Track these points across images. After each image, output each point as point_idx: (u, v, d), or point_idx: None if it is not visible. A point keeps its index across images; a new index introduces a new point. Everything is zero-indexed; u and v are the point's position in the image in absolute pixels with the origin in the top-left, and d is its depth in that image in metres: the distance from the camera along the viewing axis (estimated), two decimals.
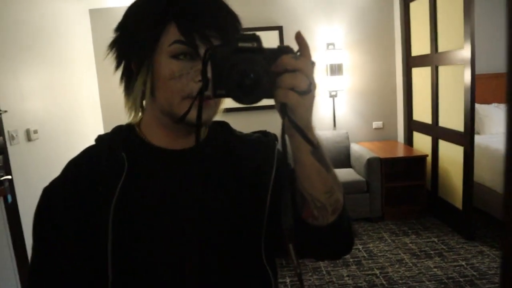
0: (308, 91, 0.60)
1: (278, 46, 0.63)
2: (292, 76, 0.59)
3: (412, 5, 4.30)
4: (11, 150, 2.79)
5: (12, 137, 2.82)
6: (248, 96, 0.60)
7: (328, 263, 3.26)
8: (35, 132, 3.08)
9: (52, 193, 0.77)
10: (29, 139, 3.02)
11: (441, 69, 3.80)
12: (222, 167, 0.81)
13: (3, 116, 2.72)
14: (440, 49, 3.78)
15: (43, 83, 3.34)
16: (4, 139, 2.71)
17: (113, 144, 0.79)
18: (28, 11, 3.19)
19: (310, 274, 3.15)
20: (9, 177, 2.70)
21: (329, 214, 0.71)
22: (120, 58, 0.78)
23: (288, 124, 0.62)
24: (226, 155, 0.83)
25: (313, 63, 0.62)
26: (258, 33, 0.63)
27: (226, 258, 0.77)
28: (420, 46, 4.16)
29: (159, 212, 0.76)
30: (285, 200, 0.61)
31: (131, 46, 0.75)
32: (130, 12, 0.76)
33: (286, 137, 0.64)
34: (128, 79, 0.79)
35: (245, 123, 4.68)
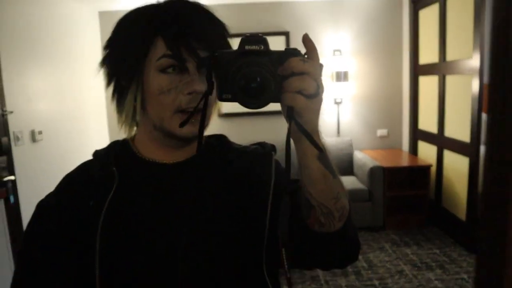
0: (316, 95, 0.60)
1: (285, 49, 0.62)
2: (300, 79, 0.58)
3: (421, 12, 4.26)
4: (15, 151, 2.79)
5: (17, 138, 2.82)
6: (254, 100, 0.59)
7: (327, 273, 3.20)
8: (40, 133, 3.07)
9: (45, 208, 0.77)
10: (34, 140, 3.01)
11: (448, 78, 3.75)
12: (217, 180, 0.80)
13: (9, 116, 2.71)
14: (448, 58, 3.73)
15: (50, 85, 3.34)
16: (9, 139, 2.70)
17: (105, 159, 0.80)
18: (36, 12, 3.19)
19: (308, 283, 3.09)
20: (12, 177, 2.68)
21: (336, 220, 0.70)
22: (111, 75, 0.78)
23: (294, 128, 0.61)
24: (222, 168, 0.82)
25: (321, 66, 0.61)
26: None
27: (220, 273, 0.75)
28: (428, 54, 4.11)
29: (147, 225, 0.74)
30: (284, 204, 0.61)
31: (120, 63, 0.75)
32: (118, 28, 0.76)
33: (292, 142, 0.63)
34: (120, 96, 0.79)
35: (249, 129, 4.64)
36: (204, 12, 0.74)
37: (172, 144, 0.78)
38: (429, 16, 4.07)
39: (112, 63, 0.77)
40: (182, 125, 0.71)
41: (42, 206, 0.77)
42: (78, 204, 0.75)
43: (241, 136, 4.55)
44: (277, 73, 0.59)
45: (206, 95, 0.65)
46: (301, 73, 0.58)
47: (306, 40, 0.61)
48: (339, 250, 0.75)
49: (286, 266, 0.60)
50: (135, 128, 0.82)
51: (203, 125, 0.68)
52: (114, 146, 0.84)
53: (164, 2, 0.74)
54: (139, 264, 0.72)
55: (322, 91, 0.62)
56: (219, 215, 0.76)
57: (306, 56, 0.61)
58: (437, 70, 3.91)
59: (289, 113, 0.60)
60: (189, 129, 0.73)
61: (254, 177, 0.81)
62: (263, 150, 0.87)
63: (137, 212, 0.75)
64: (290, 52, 0.61)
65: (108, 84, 0.79)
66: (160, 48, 0.71)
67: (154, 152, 0.80)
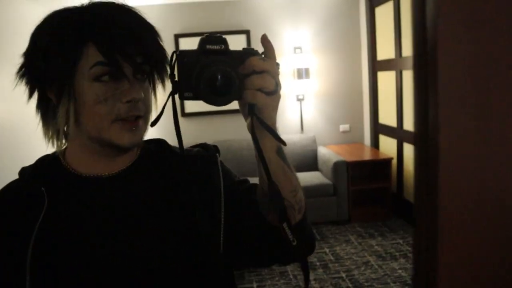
0: (275, 92, 0.63)
1: (244, 48, 0.65)
2: (260, 77, 0.61)
3: (377, 10, 4.37)
4: None
5: None
6: (220, 97, 0.61)
7: (295, 267, 3.24)
8: None
9: None
10: None
11: (405, 73, 3.87)
12: (157, 190, 0.77)
13: None
14: (404, 54, 3.84)
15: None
16: None
17: (33, 177, 0.74)
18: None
19: (277, 278, 3.12)
20: None
21: (296, 212, 0.72)
22: (33, 87, 0.71)
23: (256, 124, 0.63)
24: (162, 175, 0.79)
25: (277, 65, 0.64)
26: (225, 36, 0.64)
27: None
28: (385, 50, 4.23)
29: (82, 249, 0.70)
30: (271, 191, 0.65)
31: (44, 73, 0.68)
32: (40, 35, 0.69)
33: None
34: (46, 109, 0.73)
35: (208, 128, 4.62)
36: (134, 15, 0.71)
37: (110, 153, 0.74)
38: (384, 13, 4.18)
39: (34, 74, 0.70)
40: (153, 124, 0.71)
41: None
42: (4, 229, 0.69)
43: (204, 136, 4.54)
44: (238, 72, 0.62)
45: (172, 94, 0.65)
46: (261, 72, 0.61)
47: (265, 40, 0.64)
48: (301, 243, 0.74)
49: (291, 239, 0.64)
50: (64, 141, 0.76)
51: (178, 126, 0.68)
52: (43, 162, 0.78)
53: (90, 5, 0.69)
54: None
55: (280, 88, 0.64)
56: (160, 229, 0.73)
57: (263, 55, 0.64)
58: (394, 66, 4.03)
59: (251, 109, 0.63)
60: (131, 138, 0.70)
61: (200, 182, 0.78)
62: (207, 152, 0.84)
63: (70, 236, 0.70)
64: (249, 52, 0.64)
65: (30, 96, 0.72)
66: (92, 56, 0.66)
67: (88, 164, 0.75)
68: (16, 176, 0.77)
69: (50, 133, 0.74)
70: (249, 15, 4.58)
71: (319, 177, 4.21)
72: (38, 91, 0.72)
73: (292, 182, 0.71)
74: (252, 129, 0.64)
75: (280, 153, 0.69)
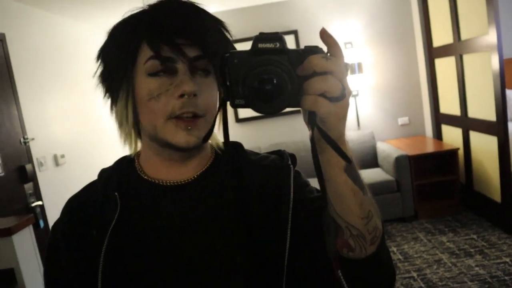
0: (341, 97, 0.52)
1: (305, 46, 0.54)
2: (322, 79, 0.51)
3: None
4: (40, 176, 2.83)
5: (40, 164, 2.87)
6: (269, 104, 0.52)
7: None
8: (62, 156, 3.12)
9: (55, 231, 0.74)
10: (57, 164, 3.07)
11: (465, 57, 3.63)
12: (227, 200, 0.71)
13: (31, 143, 2.76)
14: (463, 37, 3.61)
15: (66, 108, 3.39)
16: (33, 166, 2.75)
17: (108, 182, 0.74)
18: (45, 36, 3.24)
19: None
20: (40, 202, 2.72)
21: (367, 244, 0.60)
22: (105, 88, 0.72)
23: (318, 136, 0.54)
24: (233, 187, 0.72)
25: (346, 65, 0.54)
26: None
27: None
28: (442, 35, 4.00)
29: (152, 258, 0.68)
30: (326, 224, 0.55)
31: (111, 74, 0.70)
32: (108, 39, 0.70)
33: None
34: (116, 108, 0.73)
35: (267, 132, 4.61)
36: (192, 8, 0.67)
37: (173, 156, 0.71)
38: None
39: (104, 75, 0.71)
40: (204, 140, 0.65)
41: (54, 229, 0.74)
42: (81, 230, 0.70)
43: (259, 140, 4.54)
44: (295, 74, 0.52)
45: (224, 102, 0.58)
46: (324, 73, 0.51)
47: (325, 35, 0.54)
48: (372, 279, 0.65)
49: None
50: (137, 143, 0.76)
51: (227, 137, 0.61)
52: (120, 164, 0.78)
53: (152, 5, 0.68)
54: None
55: (349, 93, 0.54)
56: (229, 242, 0.68)
57: (328, 54, 0.54)
58: (453, 51, 3.80)
59: (311, 119, 0.53)
60: (185, 138, 0.66)
61: (268, 196, 0.71)
62: (281, 162, 0.76)
63: (141, 242, 0.69)
64: (311, 50, 0.54)
65: (104, 97, 0.73)
66: (146, 51, 0.65)
67: (157, 169, 0.73)
68: None
69: (124, 136, 0.73)
70: (295, 15, 4.52)
71: (381, 173, 4.06)
72: (109, 92, 0.72)
73: (364, 207, 0.59)
74: (312, 144, 0.55)
75: (349, 171, 0.57)
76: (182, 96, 0.64)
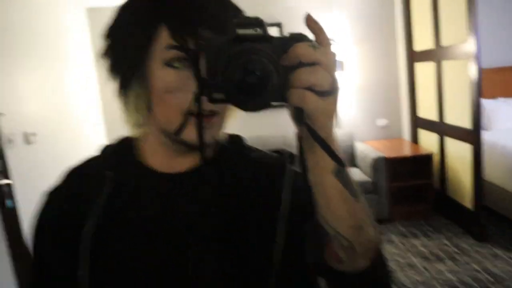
0: (330, 92, 0.47)
1: (290, 34, 0.48)
2: (310, 71, 0.46)
3: None
4: (9, 154, 2.71)
5: (9, 141, 2.75)
6: (253, 100, 0.46)
7: None
8: (34, 135, 3.00)
9: (50, 199, 0.72)
10: (27, 142, 2.95)
11: (445, 63, 3.67)
12: (223, 196, 0.67)
13: (0, 119, 2.65)
14: (443, 43, 3.65)
15: (40, 85, 3.25)
16: (1, 142, 2.64)
17: (106, 161, 0.71)
18: (22, 11, 3.11)
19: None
20: (9, 181, 2.63)
21: (358, 257, 0.54)
22: (113, 69, 0.66)
23: (306, 135, 0.49)
24: (232, 179, 0.69)
25: (334, 55, 0.48)
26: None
27: None
28: (423, 40, 4.03)
29: (139, 243, 0.66)
30: (308, 229, 0.50)
31: (122, 55, 0.64)
32: (120, 14, 0.64)
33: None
34: (125, 92, 0.66)
35: (255, 124, 4.52)
36: None
37: (181, 149, 0.67)
38: (420, 0, 3.98)
39: (113, 55, 0.65)
40: (179, 130, 0.61)
41: (47, 195, 0.72)
42: (72, 203, 0.68)
43: (234, 131, 4.40)
44: (280, 64, 0.46)
45: (198, 96, 0.53)
46: (312, 63, 0.46)
47: (311, 21, 0.48)
48: None
49: None
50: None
51: (201, 131, 0.56)
52: (122, 144, 0.73)
53: None
54: None
55: (338, 87, 0.48)
56: (222, 240, 0.65)
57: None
58: (433, 56, 3.84)
59: (298, 115, 0.47)
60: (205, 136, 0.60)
61: (267, 195, 0.67)
62: (280, 161, 0.73)
63: (130, 227, 0.66)
64: (296, 38, 0.48)
65: (111, 78, 0.67)
66: (164, 38, 0.59)
67: (159, 158, 0.69)
68: None
69: (132, 122, 0.68)
70: (280, 7, 4.42)
71: (358, 174, 4.09)
72: (119, 74, 0.66)
73: (356, 215, 0.53)
74: (299, 142, 0.50)
75: (339, 174, 0.51)
76: None
